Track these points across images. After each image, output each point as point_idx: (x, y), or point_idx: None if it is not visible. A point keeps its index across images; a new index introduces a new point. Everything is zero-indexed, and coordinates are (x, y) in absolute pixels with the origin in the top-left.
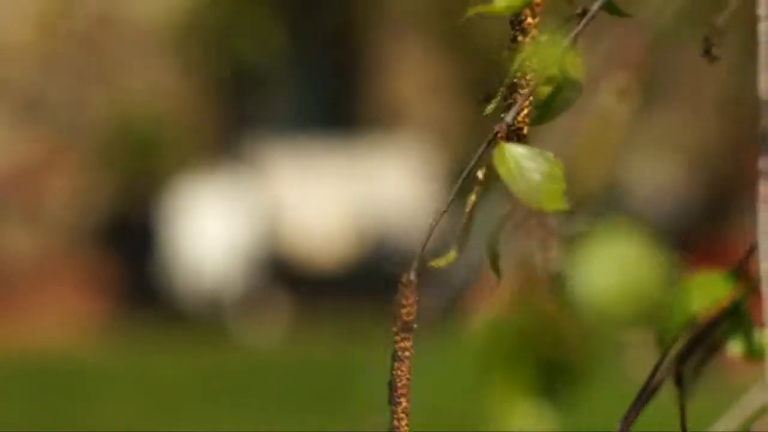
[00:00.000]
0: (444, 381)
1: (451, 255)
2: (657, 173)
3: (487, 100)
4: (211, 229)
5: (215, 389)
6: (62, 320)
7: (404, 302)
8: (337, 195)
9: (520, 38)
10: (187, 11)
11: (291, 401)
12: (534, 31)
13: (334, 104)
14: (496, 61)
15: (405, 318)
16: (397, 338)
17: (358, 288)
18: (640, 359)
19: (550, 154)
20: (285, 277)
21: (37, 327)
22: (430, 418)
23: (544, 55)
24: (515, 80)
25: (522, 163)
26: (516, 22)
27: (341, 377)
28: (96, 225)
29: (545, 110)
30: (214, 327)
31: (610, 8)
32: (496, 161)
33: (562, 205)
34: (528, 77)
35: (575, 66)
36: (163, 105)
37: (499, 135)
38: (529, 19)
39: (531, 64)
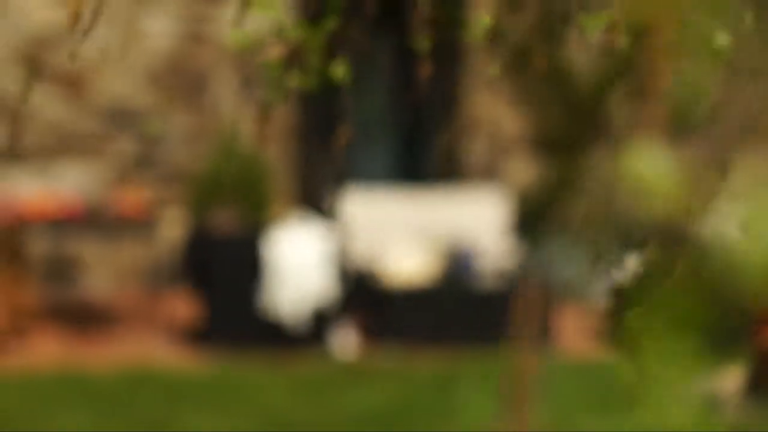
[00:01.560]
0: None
1: None
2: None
3: None
4: (303, 260)
5: (309, 400)
6: (168, 337)
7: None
8: (420, 240)
9: None
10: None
11: (387, 413)
12: None
13: (420, 155)
14: (579, 116)
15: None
16: None
17: (442, 328)
18: None
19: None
20: (367, 301)
21: (142, 344)
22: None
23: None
24: None
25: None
26: None
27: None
28: (202, 253)
29: None
30: (309, 344)
31: None
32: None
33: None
34: None
35: None
36: (259, 143)
37: None
38: None
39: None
